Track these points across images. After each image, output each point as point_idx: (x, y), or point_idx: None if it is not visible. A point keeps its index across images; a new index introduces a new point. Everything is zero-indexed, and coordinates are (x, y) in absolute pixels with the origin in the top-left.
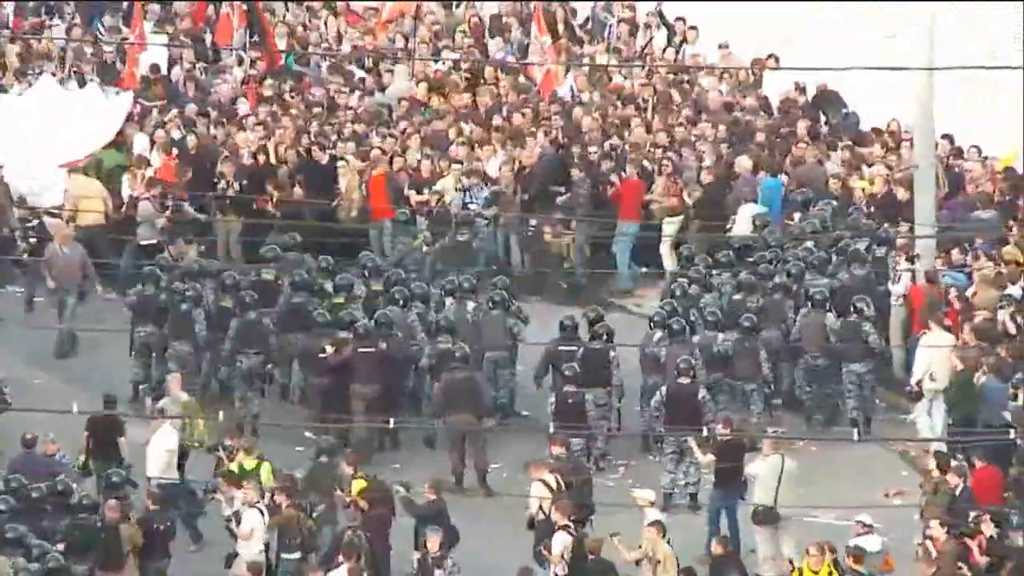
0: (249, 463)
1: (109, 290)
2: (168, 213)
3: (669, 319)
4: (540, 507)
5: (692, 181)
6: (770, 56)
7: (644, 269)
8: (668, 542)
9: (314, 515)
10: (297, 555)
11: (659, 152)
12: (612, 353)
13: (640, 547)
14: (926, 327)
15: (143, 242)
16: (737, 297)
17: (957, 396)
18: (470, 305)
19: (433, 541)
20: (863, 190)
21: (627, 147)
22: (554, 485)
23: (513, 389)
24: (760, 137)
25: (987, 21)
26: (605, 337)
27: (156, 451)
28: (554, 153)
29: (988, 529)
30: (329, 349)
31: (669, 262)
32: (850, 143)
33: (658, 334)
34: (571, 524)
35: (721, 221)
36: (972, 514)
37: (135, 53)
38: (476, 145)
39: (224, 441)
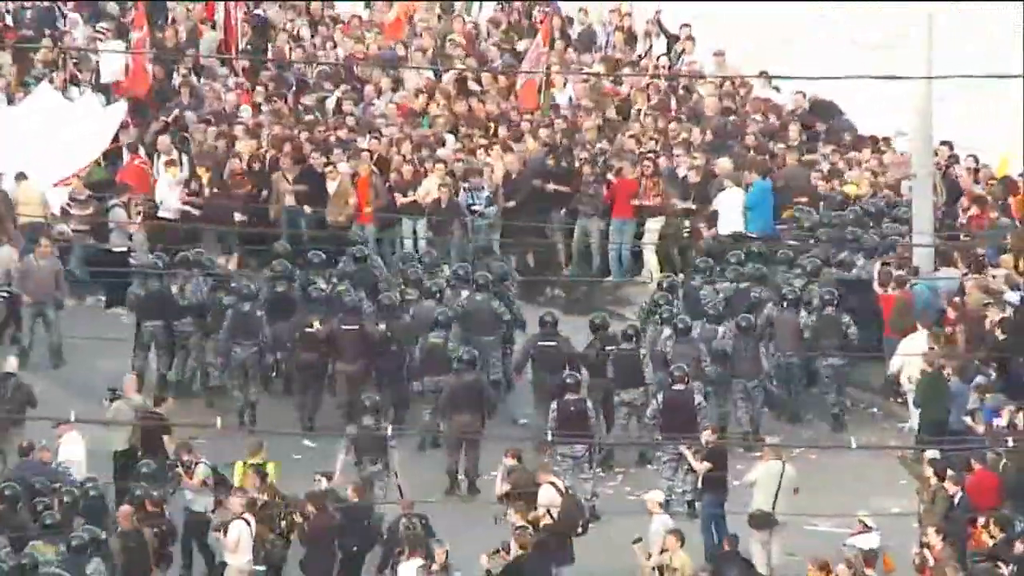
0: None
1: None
2: (140, 219)
3: (670, 315)
4: (548, 511)
5: (672, 183)
6: (762, 73)
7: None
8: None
9: (284, 524)
10: (263, 568)
11: (646, 154)
12: (642, 351)
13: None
14: (896, 332)
15: (116, 249)
16: (743, 286)
17: (925, 397)
18: (464, 293)
19: (439, 553)
20: (849, 195)
21: (618, 149)
22: (563, 489)
23: (505, 373)
24: (749, 140)
25: (987, 21)
26: (635, 337)
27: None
28: (543, 157)
29: (995, 533)
30: (316, 324)
31: (653, 262)
32: (836, 148)
33: (666, 331)
34: (528, 526)
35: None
36: (980, 519)
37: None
38: (478, 149)
39: (182, 456)
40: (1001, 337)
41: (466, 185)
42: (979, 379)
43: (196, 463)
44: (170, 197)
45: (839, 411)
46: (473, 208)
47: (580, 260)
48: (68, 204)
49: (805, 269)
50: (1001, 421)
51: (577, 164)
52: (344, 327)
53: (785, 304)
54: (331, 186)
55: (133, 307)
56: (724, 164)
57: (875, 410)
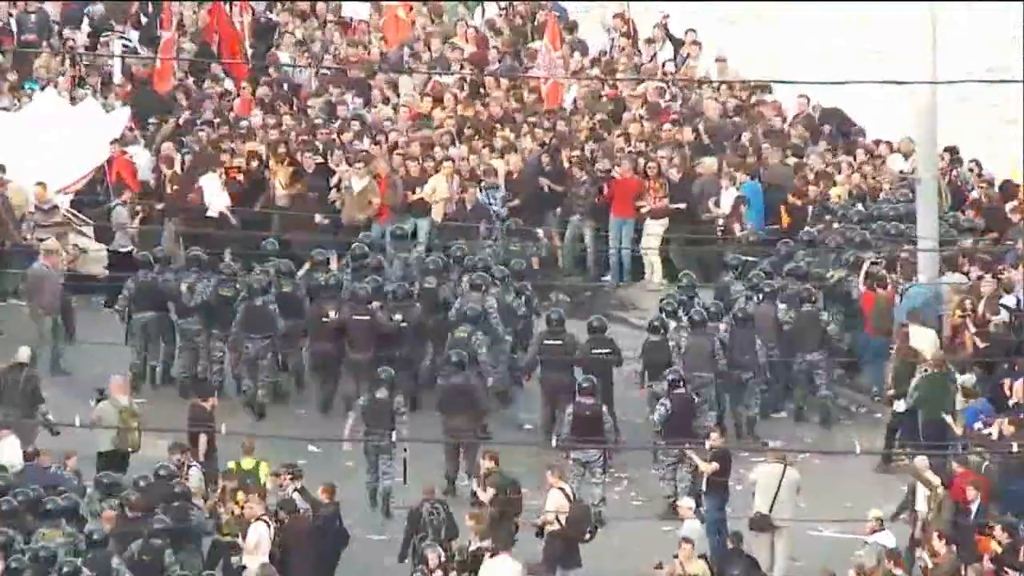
0: (248, 463)
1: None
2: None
3: (684, 310)
4: (556, 517)
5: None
6: (757, 86)
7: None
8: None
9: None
10: None
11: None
12: (671, 344)
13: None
14: (876, 332)
15: (121, 249)
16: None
17: (925, 397)
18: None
19: (432, 557)
20: (839, 196)
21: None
22: (571, 494)
23: (511, 369)
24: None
25: (987, 22)
26: (662, 329)
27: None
28: (539, 158)
29: (1002, 537)
30: (332, 314)
31: (657, 264)
32: (828, 149)
33: (672, 324)
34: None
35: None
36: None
37: (168, 54)
38: (482, 151)
39: (175, 457)
40: (982, 345)
41: (482, 184)
42: (963, 379)
43: (189, 467)
44: (217, 199)
45: (802, 407)
46: (491, 207)
47: (574, 262)
48: (31, 212)
49: (849, 262)
50: (993, 432)
51: (567, 165)
52: (355, 316)
53: (761, 297)
54: (357, 185)
55: (124, 301)
56: (709, 164)
57: (879, 415)
